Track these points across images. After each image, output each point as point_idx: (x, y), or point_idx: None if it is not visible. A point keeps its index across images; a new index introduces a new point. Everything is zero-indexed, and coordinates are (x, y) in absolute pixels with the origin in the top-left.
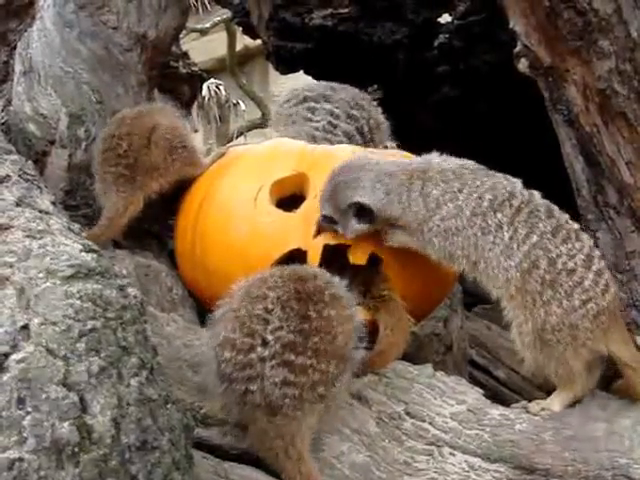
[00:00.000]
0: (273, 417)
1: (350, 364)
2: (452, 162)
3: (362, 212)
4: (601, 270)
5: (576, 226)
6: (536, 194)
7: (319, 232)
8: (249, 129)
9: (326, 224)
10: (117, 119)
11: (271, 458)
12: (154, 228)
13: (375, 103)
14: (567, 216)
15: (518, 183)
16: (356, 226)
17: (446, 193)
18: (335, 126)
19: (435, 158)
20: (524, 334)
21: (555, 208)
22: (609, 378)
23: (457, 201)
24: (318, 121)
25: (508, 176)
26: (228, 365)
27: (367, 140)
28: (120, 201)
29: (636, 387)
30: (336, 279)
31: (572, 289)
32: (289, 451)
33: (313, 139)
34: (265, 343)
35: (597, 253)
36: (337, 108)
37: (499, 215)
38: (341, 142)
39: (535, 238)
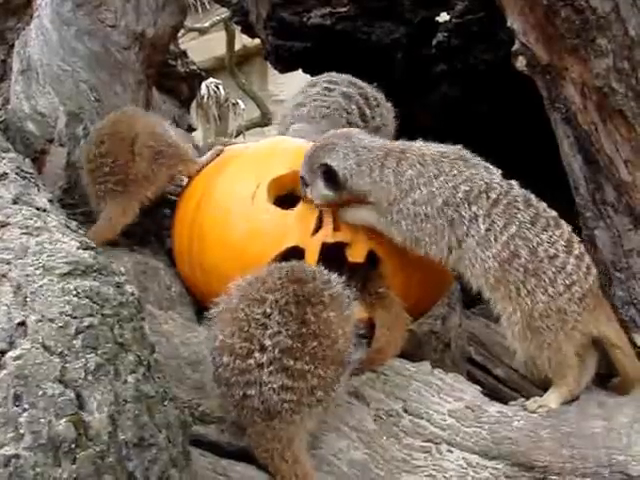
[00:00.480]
0: (271, 421)
1: (349, 367)
2: (433, 148)
3: (330, 177)
4: (582, 254)
5: (554, 214)
6: (514, 184)
7: (317, 230)
8: (248, 128)
9: (302, 186)
10: (94, 137)
11: (267, 460)
12: (152, 226)
13: (381, 98)
14: (544, 205)
15: (497, 174)
16: (323, 191)
17: (421, 176)
18: (331, 89)
19: (417, 143)
20: (513, 324)
21: (533, 197)
22: (606, 376)
23: (431, 187)
24: (311, 94)
25: (489, 166)
26: (226, 370)
27: (372, 106)
28: (117, 208)
29: (625, 368)
30: (334, 278)
31: (555, 275)
32: (285, 454)
33: (301, 115)
34: (263, 348)
35: (576, 238)
36: (336, 79)
37: (474, 207)
38: (338, 102)
39: (514, 228)
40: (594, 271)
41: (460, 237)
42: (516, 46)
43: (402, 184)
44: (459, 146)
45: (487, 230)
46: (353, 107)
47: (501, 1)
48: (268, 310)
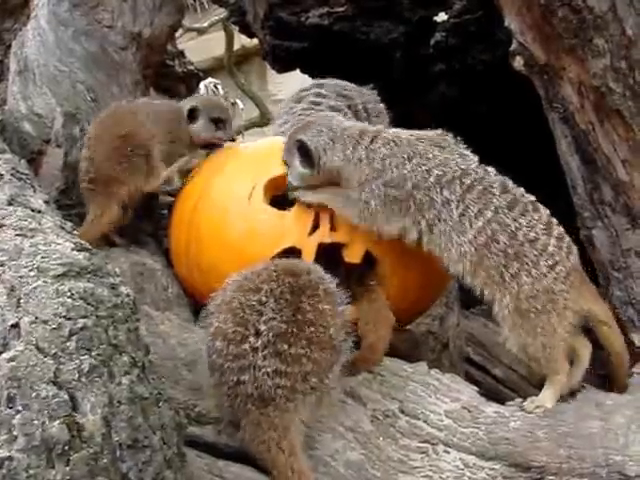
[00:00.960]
0: (265, 409)
1: (341, 356)
2: (409, 132)
3: (304, 153)
4: (562, 234)
5: (532, 198)
6: (491, 171)
7: (314, 230)
8: (247, 128)
9: (286, 170)
10: (85, 141)
11: (263, 453)
12: (149, 227)
13: (379, 98)
14: (522, 190)
15: (473, 160)
16: (299, 169)
17: (394, 156)
18: (318, 104)
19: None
20: (503, 309)
21: (510, 183)
22: (605, 377)
23: (403, 169)
24: (296, 111)
25: (465, 152)
26: (220, 356)
27: (362, 119)
28: (96, 208)
29: (613, 344)
30: (328, 276)
31: (537, 257)
32: (282, 444)
33: (286, 130)
34: (258, 333)
35: (555, 220)
36: (325, 90)
37: (446, 192)
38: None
39: (490, 214)
40: (575, 249)
41: (431, 221)
42: (514, 46)
43: (374, 163)
44: (439, 131)
45: (461, 215)
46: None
47: (499, 1)
48: (263, 298)
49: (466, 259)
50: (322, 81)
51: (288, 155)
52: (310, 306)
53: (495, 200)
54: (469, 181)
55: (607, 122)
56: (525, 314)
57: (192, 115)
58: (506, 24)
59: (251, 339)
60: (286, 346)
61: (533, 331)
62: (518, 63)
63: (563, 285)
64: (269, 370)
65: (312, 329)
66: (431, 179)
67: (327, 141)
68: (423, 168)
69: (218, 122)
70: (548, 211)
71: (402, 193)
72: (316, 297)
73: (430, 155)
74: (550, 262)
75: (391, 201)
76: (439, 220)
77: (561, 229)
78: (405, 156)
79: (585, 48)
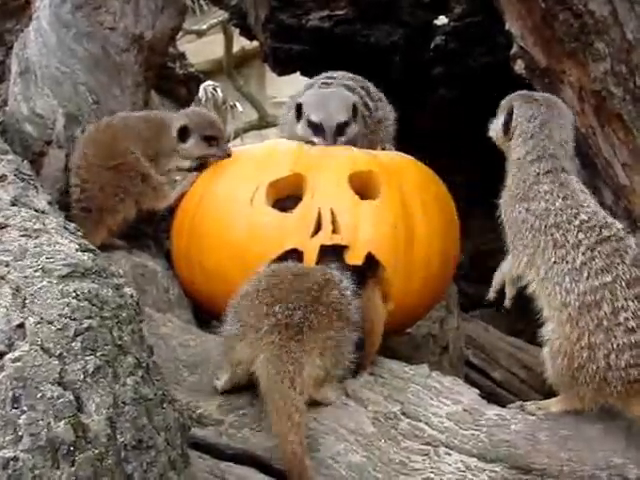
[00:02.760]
0: (288, 342)
1: (355, 331)
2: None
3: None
4: None
5: None
6: (633, 240)
7: (316, 232)
8: (246, 131)
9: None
10: (72, 168)
11: (276, 385)
12: (149, 229)
13: (382, 96)
14: None
15: (619, 225)
16: (496, 126)
17: (551, 192)
18: (329, 84)
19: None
20: (559, 364)
21: None
22: None
23: (552, 205)
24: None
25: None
26: (250, 294)
27: (375, 99)
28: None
29: None
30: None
31: (624, 348)
32: (295, 381)
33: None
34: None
35: None
36: (335, 74)
37: (581, 235)
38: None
39: (609, 278)
40: None
41: (555, 259)
42: (514, 49)
43: (530, 192)
44: None
45: (583, 263)
46: (355, 97)
47: (499, 5)
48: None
49: (566, 310)
50: (329, 72)
51: (502, 109)
52: (336, 289)
53: (621, 267)
54: (607, 234)
55: (607, 126)
56: (573, 379)
57: (183, 133)
58: (507, 28)
59: (285, 284)
60: (317, 294)
61: (569, 385)
62: (519, 67)
63: (622, 387)
64: (301, 304)
65: (338, 297)
66: (576, 222)
67: (529, 132)
68: (571, 211)
69: (211, 140)
70: None
71: (540, 225)
72: (340, 285)
73: (585, 204)
74: (631, 361)
75: (527, 229)
76: (562, 260)
77: None
78: (561, 196)
79: (586, 52)
